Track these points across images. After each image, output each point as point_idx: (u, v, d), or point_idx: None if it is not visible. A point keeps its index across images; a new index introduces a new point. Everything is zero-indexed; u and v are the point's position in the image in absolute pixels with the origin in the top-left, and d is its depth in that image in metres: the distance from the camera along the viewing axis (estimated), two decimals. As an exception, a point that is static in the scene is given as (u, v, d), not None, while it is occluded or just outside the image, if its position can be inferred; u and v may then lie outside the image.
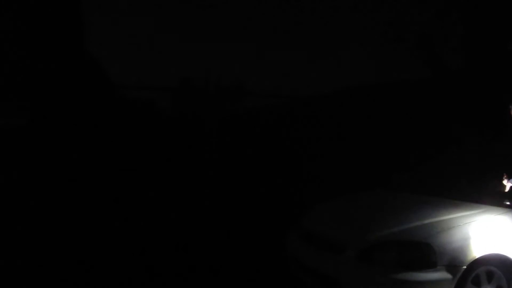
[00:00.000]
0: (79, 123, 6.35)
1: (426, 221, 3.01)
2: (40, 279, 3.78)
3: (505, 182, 3.37)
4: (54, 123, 6.38)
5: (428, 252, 2.76)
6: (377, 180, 4.69)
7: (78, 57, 6.95)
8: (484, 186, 3.41)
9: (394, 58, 8.17)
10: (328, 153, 6.85)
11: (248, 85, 7.71)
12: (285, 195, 6.09)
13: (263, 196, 5.99)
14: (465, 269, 2.73)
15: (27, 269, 3.90)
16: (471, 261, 2.75)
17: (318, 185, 6.03)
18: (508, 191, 3.32)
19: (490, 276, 2.86)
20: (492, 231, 2.91)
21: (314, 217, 3.69)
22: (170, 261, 4.27)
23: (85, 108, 6.49)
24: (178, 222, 5.29)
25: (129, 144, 6.51)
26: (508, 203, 3.16)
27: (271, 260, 4.15)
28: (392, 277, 2.76)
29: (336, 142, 7.11)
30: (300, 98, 7.84)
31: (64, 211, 5.16)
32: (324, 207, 3.83)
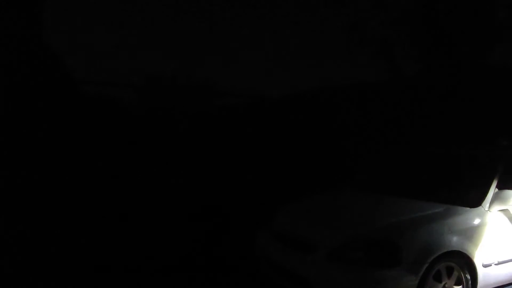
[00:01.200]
0: (37, 119, 6.11)
1: (393, 220, 3.15)
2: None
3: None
4: (11, 119, 6.11)
5: (395, 250, 2.89)
6: (341, 180, 4.84)
7: (36, 50, 6.66)
8: (448, 187, 3.59)
9: (359, 61, 8.45)
10: (293, 153, 6.98)
11: (220, 85, 7.72)
12: (253, 193, 6.14)
13: (230, 195, 6.01)
14: (428, 265, 2.88)
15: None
16: (434, 257, 2.91)
17: (284, 186, 6.12)
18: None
19: (450, 271, 3.03)
20: (452, 229, 3.08)
21: (285, 217, 3.77)
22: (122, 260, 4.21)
23: (43, 103, 6.25)
24: (135, 222, 5.21)
25: (91, 140, 6.33)
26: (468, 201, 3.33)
27: (242, 260, 4.19)
28: (361, 275, 2.87)
29: (300, 143, 7.25)
30: (267, 98, 7.94)
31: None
32: (294, 207, 3.91)
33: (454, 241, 3.03)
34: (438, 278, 2.98)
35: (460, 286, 3.07)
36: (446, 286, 3.01)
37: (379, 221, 3.17)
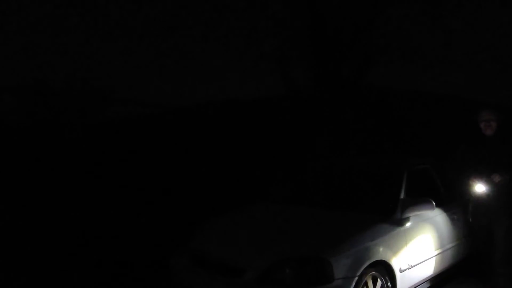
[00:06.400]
0: None
1: (319, 235, 3.11)
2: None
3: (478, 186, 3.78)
4: None
5: (325, 267, 2.83)
6: (253, 192, 4.74)
7: None
8: (363, 196, 3.69)
9: (258, 75, 8.57)
10: (199, 165, 6.74)
11: (120, 93, 7.05)
12: (157, 210, 5.74)
13: (134, 211, 5.53)
14: (357, 279, 2.89)
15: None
16: (362, 269, 2.93)
17: (193, 200, 5.85)
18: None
19: (374, 281, 3.09)
20: (374, 239, 3.15)
21: (203, 237, 3.50)
22: None
23: None
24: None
25: None
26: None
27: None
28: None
29: (206, 155, 7.05)
30: (169, 108, 7.58)
31: None
32: (212, 225, 3.66)
33: (377, 251, 3.10)
34: (365, 289, 3.01)
35: (383, 294, 3.16)
36: (372, 296, 3.06)
37: (305, 237, 3.11)
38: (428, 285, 3.71)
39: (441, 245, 3.76)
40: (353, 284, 2.86)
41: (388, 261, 3.15)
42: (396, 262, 3.23)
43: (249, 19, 8.26)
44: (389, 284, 3.17)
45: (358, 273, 2.90)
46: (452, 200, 4.07)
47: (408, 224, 3.46)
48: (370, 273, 3.03)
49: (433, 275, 3.73)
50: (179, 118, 8.01)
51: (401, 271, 3.28)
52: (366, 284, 3.02)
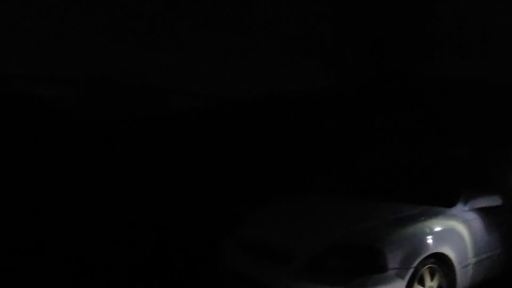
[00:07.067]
0: None
1: (371, 224, 2.97)
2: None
3: None
4: None
5: (377, 256, 2.70)
6: (303, 183, 4.66)
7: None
8: (422, 187, 3.50)
9: (303, 68, 8.43)
10: (250, 157, 6.75)
11: (172, 84, 7.26)
12: (213, 200, 5.81)
13: (190, 203, 5.63)
14: (413, 270, 2.73)
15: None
16: (418, 261, 2.76)
17: (243, 190, 5.86)
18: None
19: (432, 274, 2.90)
20: (432, 230, 2.96)
21: (252, 224, 3.48)
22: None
23: None
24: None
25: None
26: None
27: (202, 273, 3.83)
28: (342, 284, 2.65)
29: (258, 147, 7.04)
30: (226, 100, 7.65)
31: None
32: (260, 213, 3.63)
33: (435, 243, 2.91)
34: (421, 282, 2.84)
35: (441, 289, 2.96)
36: (429, 289, 2.88)
37: (357, 225, 2.99)
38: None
39: (508, 242, 3.46)
40: (408, 275, 2.70)
41: (448, 254, 2.95)
42: (457, 257, 3.01)
43: (299, 7, 8.15)
44: (448, 278, 2.97)
45: (414, 265, 2.73)
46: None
47: (471, 217, 3.22)
48: (428, 266, 2.85)
49: (498, 274, 3.44)
50: (237, 110, 8.03)
51: (463, 266, 3.06)
52: (422, 276, 2.85)
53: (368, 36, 8.20)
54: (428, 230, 2.93)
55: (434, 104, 6.97)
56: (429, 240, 2.89)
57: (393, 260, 2.70)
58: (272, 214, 3.57)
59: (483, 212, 3.31)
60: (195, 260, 4.12)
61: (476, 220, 3.25)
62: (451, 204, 3.21)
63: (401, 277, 2.68)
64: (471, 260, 3.14)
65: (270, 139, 6.80)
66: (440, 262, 2.95)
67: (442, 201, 3.23)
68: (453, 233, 3.07)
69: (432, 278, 2.90)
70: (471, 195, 3.26)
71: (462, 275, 3.06)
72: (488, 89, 7.29)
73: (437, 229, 3.00)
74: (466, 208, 3.24)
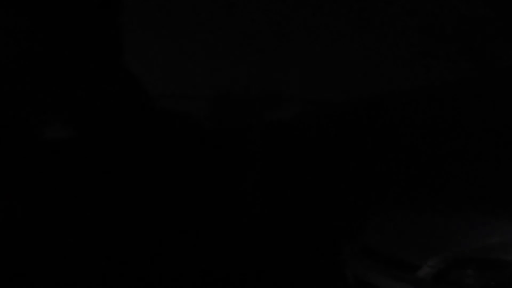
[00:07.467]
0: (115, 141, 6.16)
1: (501, 236, 2.87)
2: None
3: None
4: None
5: (508, 271, 2.63)
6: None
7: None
8: None
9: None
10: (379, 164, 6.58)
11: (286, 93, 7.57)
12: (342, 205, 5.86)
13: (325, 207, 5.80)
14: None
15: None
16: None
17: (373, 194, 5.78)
18: None
19: None
20: None
21: (374, 231, 3.57)
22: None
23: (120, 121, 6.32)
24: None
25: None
26: None
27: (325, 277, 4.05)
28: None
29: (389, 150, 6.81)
30: (345, 104, 7.66)
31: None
32: (382, 219, 3.69)
33: None
34: None
35: None
36: None
37: (485, 238, 2.90)
38: None
39: None
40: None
41: None
42: None
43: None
44: None
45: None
46: None
47: None
48: None
49: None
50: (349, 113, 7.98)
51: None
52: None
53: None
54: None
55: None
56: None
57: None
58: (391, 221, 3.59)
59: None
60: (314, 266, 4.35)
61: None
62: None
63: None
64: None
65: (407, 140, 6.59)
66: None
67: None
68: None
69: None
70: None
71: None
72: None
73: None
74: None
